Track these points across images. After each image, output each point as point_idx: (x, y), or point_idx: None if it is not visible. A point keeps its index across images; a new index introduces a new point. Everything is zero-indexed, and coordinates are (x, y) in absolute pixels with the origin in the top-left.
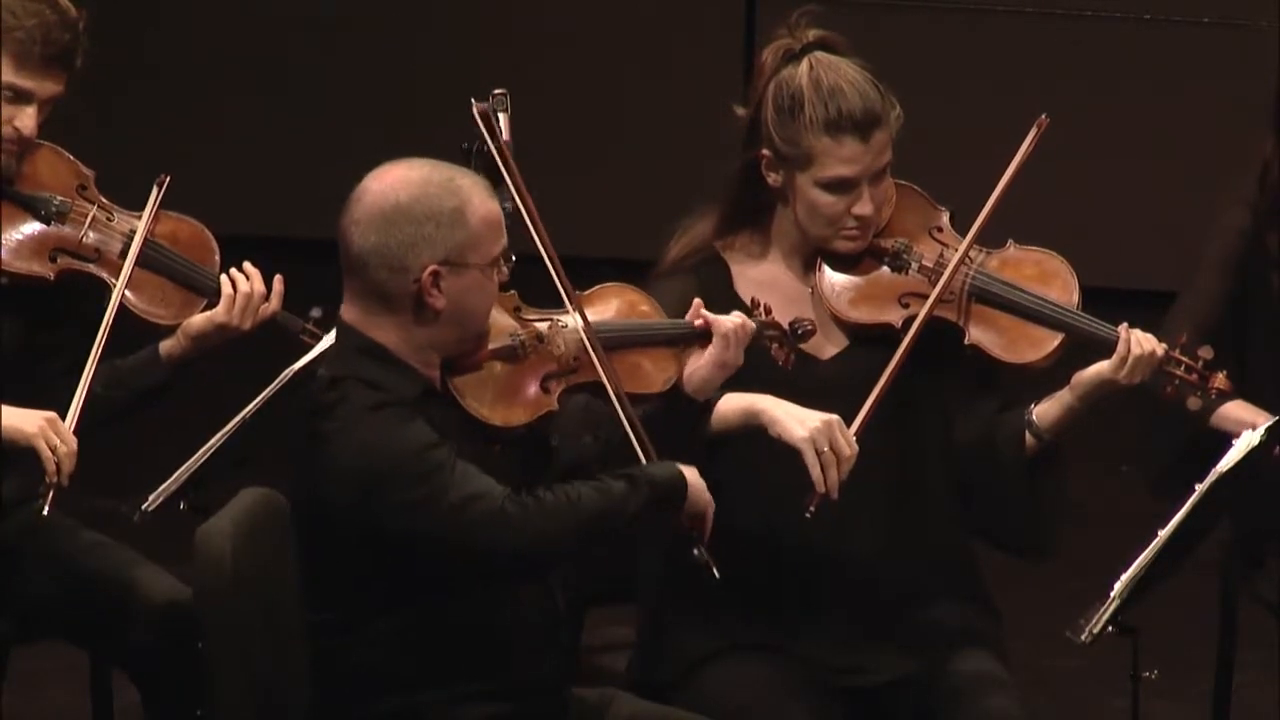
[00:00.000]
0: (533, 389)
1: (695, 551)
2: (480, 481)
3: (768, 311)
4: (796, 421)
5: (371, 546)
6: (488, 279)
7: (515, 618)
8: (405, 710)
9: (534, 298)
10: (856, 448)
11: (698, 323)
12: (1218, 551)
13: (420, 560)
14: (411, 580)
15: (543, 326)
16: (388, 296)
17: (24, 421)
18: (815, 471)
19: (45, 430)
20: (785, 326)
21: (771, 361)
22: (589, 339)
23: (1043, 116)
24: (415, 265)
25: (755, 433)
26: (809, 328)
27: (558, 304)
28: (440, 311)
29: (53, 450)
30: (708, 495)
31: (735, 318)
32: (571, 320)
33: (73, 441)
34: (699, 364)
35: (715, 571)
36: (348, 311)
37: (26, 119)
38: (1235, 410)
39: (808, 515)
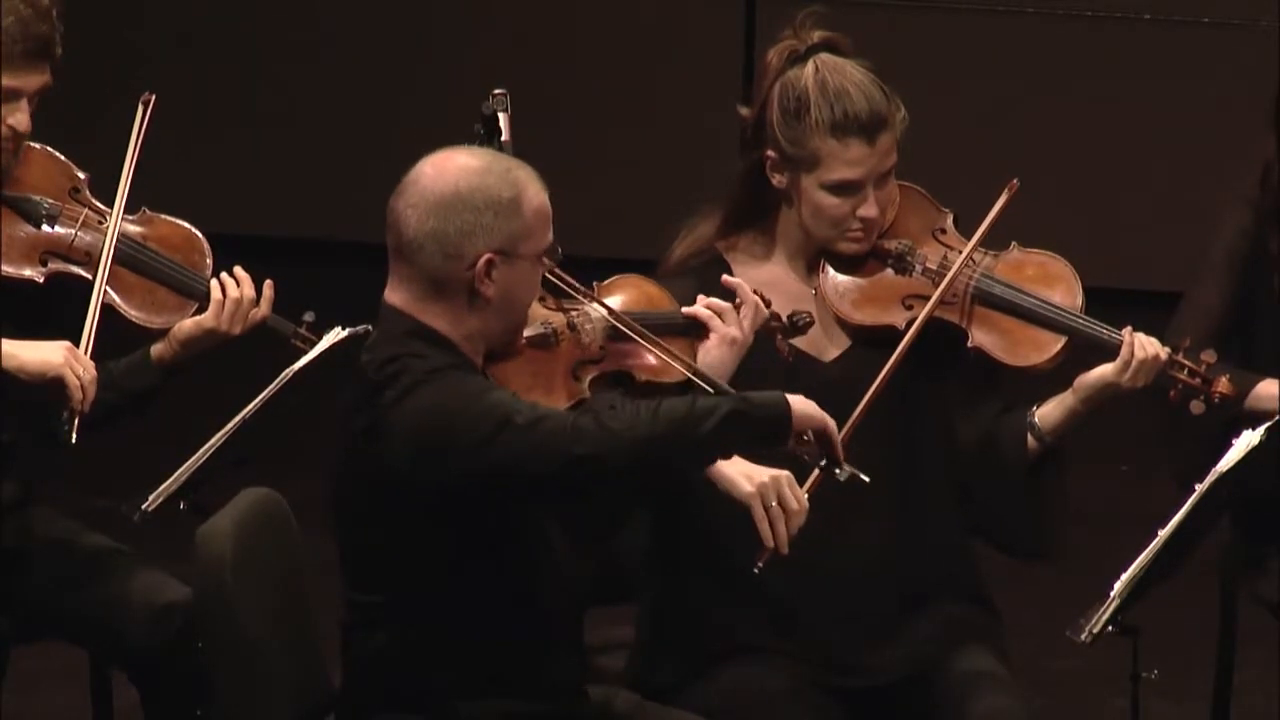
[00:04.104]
0: (566, 377)
1: (837, 470)
2: (547, 408)
3: (767, 303)
4: (744, 477)
5: (441, 504)
6: (535, 270)
7: (544, 615)
8: (429, 704)
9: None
10: (806, 503)
11: (697, 312)
12: (1218, 551)
13: (494, 500)
14: (472, 539)
15: (571, 315)
16: (439, 282)
17: (49, 353)
18: (763, 527)
19: (69, 359)
20: (784, 318)
21: (776, 357)
22: (624, 324)
23: (1013, 181)
24: (470, 253)
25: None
26: (807, 319)
27: (575, 294)
28: (490, 300)
29: (78, 378)
30: (820, 411)
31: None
32: (595, 309)
33: (92, 368)
34: (709, 345)
35: (864, 476)
36: (394, 295)
37: (21, 116)
38: (1270, 387)
39: (756, 571)
